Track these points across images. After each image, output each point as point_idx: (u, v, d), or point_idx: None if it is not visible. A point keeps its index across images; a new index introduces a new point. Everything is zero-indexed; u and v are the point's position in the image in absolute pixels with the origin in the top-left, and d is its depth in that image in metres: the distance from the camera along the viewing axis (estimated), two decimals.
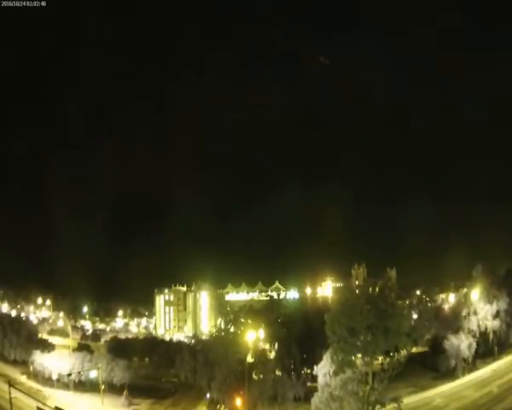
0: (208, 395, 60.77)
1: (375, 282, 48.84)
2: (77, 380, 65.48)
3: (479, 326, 63.26)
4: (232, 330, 62.69)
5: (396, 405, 44.61)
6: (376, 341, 42.70)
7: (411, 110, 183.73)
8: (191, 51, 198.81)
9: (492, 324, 63.46)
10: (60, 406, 57.06)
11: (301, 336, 66.01)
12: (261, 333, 63.58)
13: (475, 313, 64.03)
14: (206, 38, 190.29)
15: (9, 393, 50.58)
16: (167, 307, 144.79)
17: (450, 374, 59.97)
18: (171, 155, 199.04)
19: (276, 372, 60.79)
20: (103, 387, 62.77)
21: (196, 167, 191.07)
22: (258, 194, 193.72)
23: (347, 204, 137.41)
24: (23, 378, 69.06)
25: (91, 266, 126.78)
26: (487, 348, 64.71)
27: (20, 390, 59.95)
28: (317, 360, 53.31)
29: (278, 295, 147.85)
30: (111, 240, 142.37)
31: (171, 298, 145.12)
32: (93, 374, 64.13)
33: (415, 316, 51.80)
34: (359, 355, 44.83)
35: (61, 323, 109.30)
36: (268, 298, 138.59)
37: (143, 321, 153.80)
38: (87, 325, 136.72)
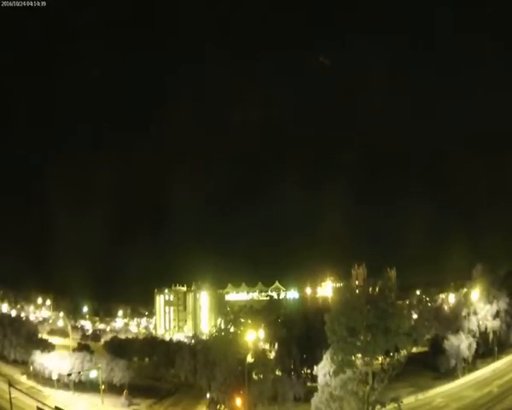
0: (208, 395, 60.70)
1: (375, 282, 48.70)
2: (77, 380, 65.31)
3: (479, 326, 63.24)
4: (232, 330, 62.49)
5: (396, 405, 44.57)
6: (376, 341, 42.63)
7: (411, 112, 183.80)
8: (190, 51, 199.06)
9: (492, 324, 63.43)
10: (60, 406, 56.96)
11: (301, 336, 66.05)
12: (261, 333, 63.50)
13: (475, 313, 64.02)
14: (206, 37, 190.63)
15: (9, 393, 50.49)
16: (167, 307, 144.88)
17: (450, 374, 59.91)
18: (171, 155, 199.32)
19: (276, 372, 60.69)
20: (103, 387, 62.77)
21: (196, 167, 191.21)
22: (258, 194, 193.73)
23: (347, 204, 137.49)
24: (23, 378, 68.92)
25: (91, 265, 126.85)
26: (487, 348, 64.67)
27: (20, 390, 59.88)
28: (317, 360, 53.27)
29: (278, 295, 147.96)
30: (111, 240, 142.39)
31: (171, 298, 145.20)
32: (93, 374, 64.02)
33: (415, 316, 51.66)
34: (359, 355, 44.73)
35: (60, 323, 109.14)
36: (268, 298, 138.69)
37: (143, 321, 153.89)
38: (87, 325, 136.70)
